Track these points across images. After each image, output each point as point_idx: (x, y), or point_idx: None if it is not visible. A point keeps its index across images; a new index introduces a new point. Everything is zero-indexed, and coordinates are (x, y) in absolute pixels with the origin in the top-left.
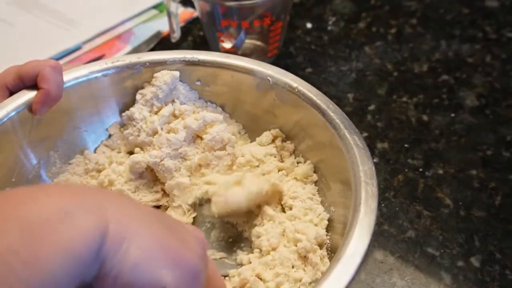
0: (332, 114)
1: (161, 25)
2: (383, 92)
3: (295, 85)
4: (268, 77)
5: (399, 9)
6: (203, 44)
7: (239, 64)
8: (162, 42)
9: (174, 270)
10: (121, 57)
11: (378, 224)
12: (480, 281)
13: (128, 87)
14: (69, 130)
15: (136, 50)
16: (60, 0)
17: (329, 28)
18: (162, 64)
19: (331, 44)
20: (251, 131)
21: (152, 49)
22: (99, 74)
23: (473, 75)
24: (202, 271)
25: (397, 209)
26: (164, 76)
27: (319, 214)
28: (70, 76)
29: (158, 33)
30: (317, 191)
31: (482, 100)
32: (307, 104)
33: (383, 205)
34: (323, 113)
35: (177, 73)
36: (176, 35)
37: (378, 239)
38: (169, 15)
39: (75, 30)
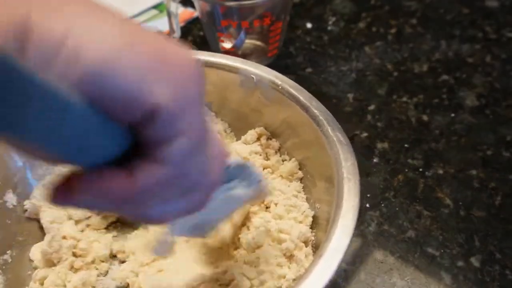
0: (315, 111)
1: (161, 25)
2: (383, 92)
3: (279, 82)
4: (252, 75)
5: (399, 9)
6: (203, 44)
7: (224, 62)
8: None
9: (162, 72)
10: None
11: (378, 224)
12: (480, 281)
13: None
14: None
15: None
16: None
17: (329, 28)
18: None
19: (331, 44)
20: (238, 129)
21: None
22: None
23: (473, 75)
24: (202, 77)
25: (397, 209)
26: None
27: (304, 211)
28: None
29: None
30: (303, 188)
31: (482, 100)
32: (291, 102)
33: (383, 205)
34: (306, 110)
35: None
36: (176, 35)
37: (378, 239)
38: (169, 15)
39: None
